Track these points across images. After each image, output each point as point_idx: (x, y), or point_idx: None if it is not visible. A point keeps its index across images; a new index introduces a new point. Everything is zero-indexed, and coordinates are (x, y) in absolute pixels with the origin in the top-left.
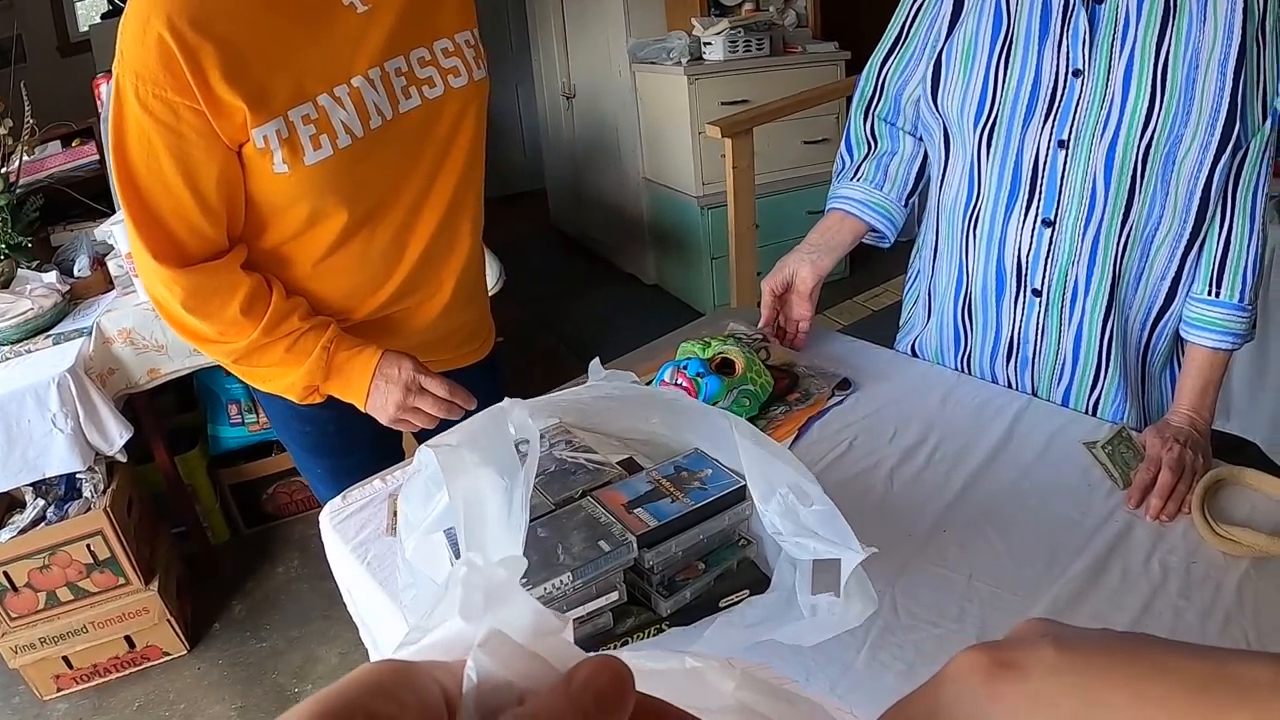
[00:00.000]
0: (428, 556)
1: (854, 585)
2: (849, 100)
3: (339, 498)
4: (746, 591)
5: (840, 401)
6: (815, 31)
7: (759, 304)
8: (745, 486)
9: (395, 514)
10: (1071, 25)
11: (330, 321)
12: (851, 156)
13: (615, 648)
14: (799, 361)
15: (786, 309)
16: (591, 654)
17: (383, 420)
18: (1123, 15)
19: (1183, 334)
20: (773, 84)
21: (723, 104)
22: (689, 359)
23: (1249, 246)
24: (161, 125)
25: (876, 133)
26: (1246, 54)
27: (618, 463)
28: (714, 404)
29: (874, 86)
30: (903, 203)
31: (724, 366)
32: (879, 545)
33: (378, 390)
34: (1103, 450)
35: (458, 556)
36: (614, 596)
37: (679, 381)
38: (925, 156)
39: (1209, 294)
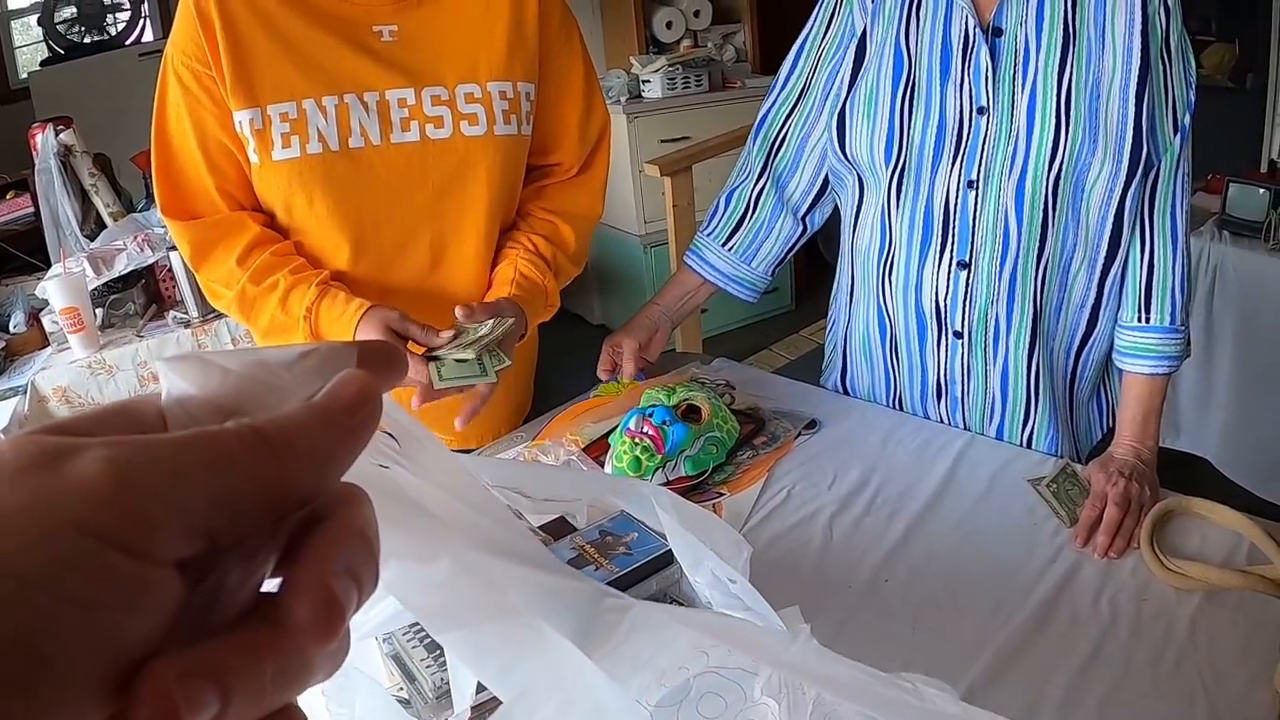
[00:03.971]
0: (364, 657)
1: None
2: None
3: None
4: None
5: (808, 439)
6: (755, 66)
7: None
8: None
9: None
10: (973, 62)
11: (316, 277)
12: (727, 206)
13: None
14: (763, 405)
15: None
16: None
17: None
18: (1022, 47)
19: (1117, 363)
20: (713, 120)
21: (662, 141)
22: (655, 406)
23: (1174, 267)
24: (185, 89)
25: (763, 201)
26: (1151, 73)
27: (548, 523)
28: (681, 452)
29: (777, 132)
30: (770, 274)
31: (690, 413)
32: (818, 599)
33: None
34: (1048, 488)
35: (401, 670)
36: None
37: (645, 430)
38: (801, 235)
39: (1138, 320)
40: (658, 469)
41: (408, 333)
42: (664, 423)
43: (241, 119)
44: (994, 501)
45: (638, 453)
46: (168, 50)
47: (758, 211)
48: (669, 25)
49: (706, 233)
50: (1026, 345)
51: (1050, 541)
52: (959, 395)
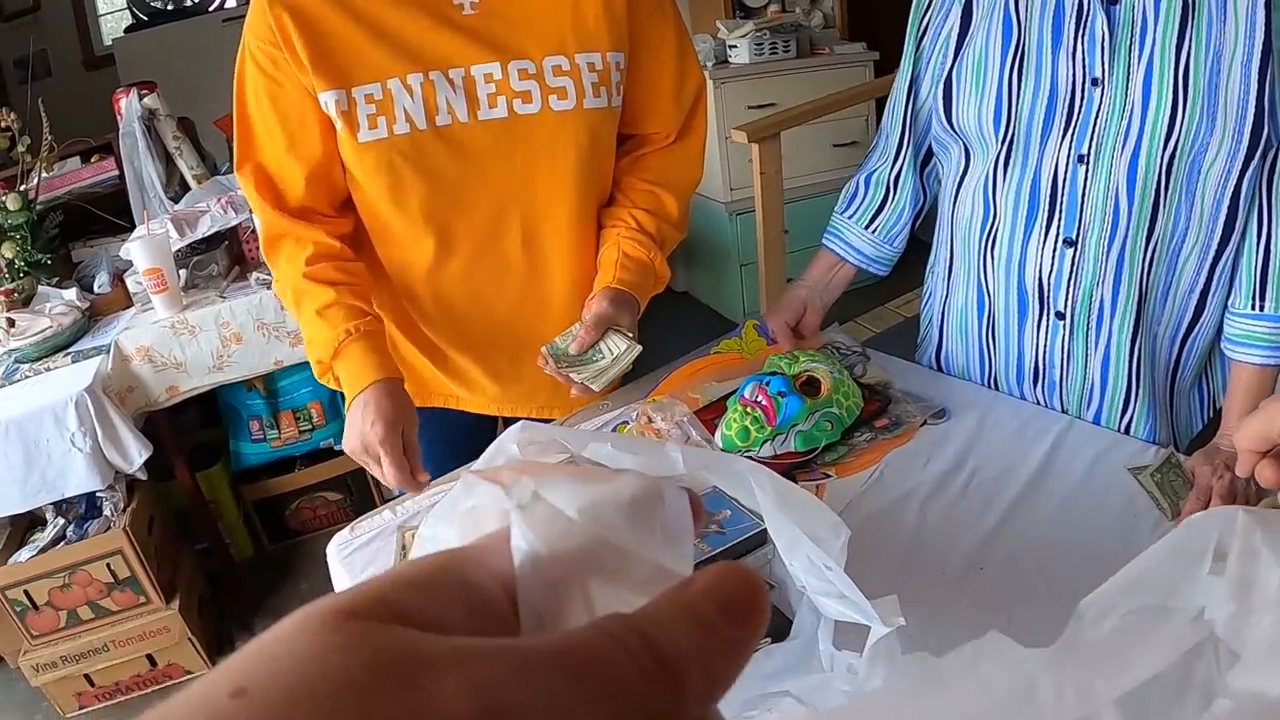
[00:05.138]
0: None
1: (880, 648)
2: (878, 102)
3: (347, 530)
4: (767, 639)
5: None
6: (843, 32)
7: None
8: (766, 529)
9: (405, 548)
10: (1088, 29)
11: (374, 316)
12: (867, 189)
13: None
14: (895, 383)
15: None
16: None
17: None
18: (1139, 17)
19: (1226, 352)
20: (800, 86)
21: (749, 108)
22: (773, 374)
23: None
24: (263, 73)
25: (902, 182)
26: (1274, 50)
27: None
28: (793, 426)
29: (905, 103)
30: (904, 246)
31: (809, 385)
32: (910, 586)
33: (352, 415)
34: (1151, 478)
35: None
36: None
37: (759, 398)
38: (924, 201)
39: (1252, 308)
40: (766, 441)
41: None
42: (779, 394)
43: (328, 100)
44: (1093, 489)
45: (747, 423)
46: (244, 34)
47: (898, 194)
48: None
49: (847, 215)
50: (1130, 329)
51: (1151, 534)
52: (1057, 379)
